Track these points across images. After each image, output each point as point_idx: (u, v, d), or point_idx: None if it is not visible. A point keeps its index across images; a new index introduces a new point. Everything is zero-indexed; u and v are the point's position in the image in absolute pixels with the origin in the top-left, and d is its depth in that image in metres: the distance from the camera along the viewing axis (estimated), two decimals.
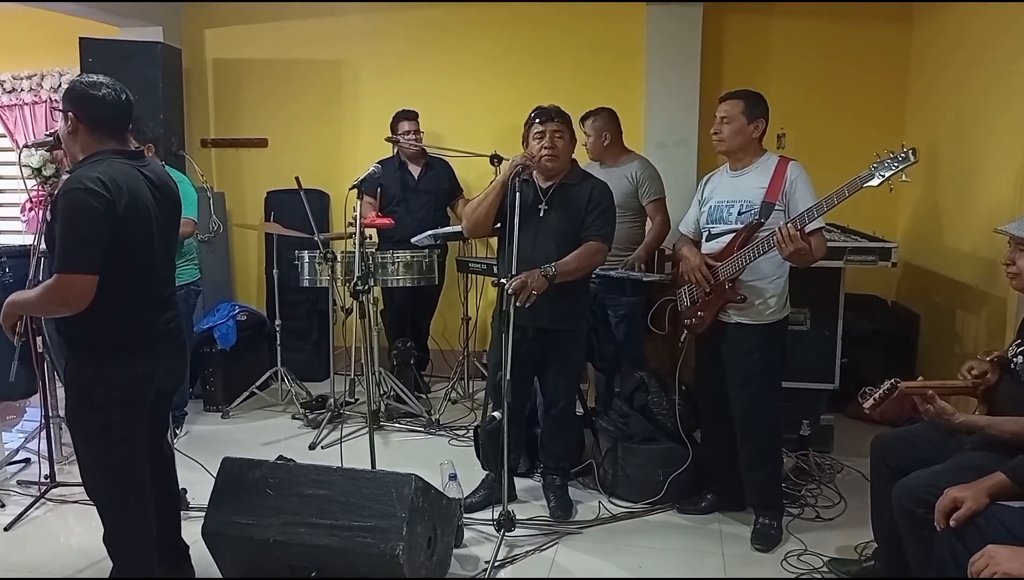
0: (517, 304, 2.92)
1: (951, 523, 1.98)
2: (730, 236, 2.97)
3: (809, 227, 2.78)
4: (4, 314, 2.34)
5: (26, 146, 2.88)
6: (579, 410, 3.66)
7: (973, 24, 4.02)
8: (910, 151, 2.59)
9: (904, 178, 2.62)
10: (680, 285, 3.19)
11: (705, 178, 3.22)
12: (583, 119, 4.00)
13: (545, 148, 3.09)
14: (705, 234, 3.11)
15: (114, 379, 2.28)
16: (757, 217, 2.91)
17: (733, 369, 3.05)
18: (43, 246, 3.28)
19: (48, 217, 2.33)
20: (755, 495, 3.15)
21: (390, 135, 4.71)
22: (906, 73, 4.89)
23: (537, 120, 3.13)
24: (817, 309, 3.70)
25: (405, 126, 4.73)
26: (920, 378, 2.42)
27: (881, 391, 2.34)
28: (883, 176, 2.62)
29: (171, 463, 2.70)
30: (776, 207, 2.89)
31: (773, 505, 3.11)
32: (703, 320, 3.04)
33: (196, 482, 3.19)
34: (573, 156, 3.24)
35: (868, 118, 4.93)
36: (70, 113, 2.27)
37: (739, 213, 2.96)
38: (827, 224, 4.17)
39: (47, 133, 2.84)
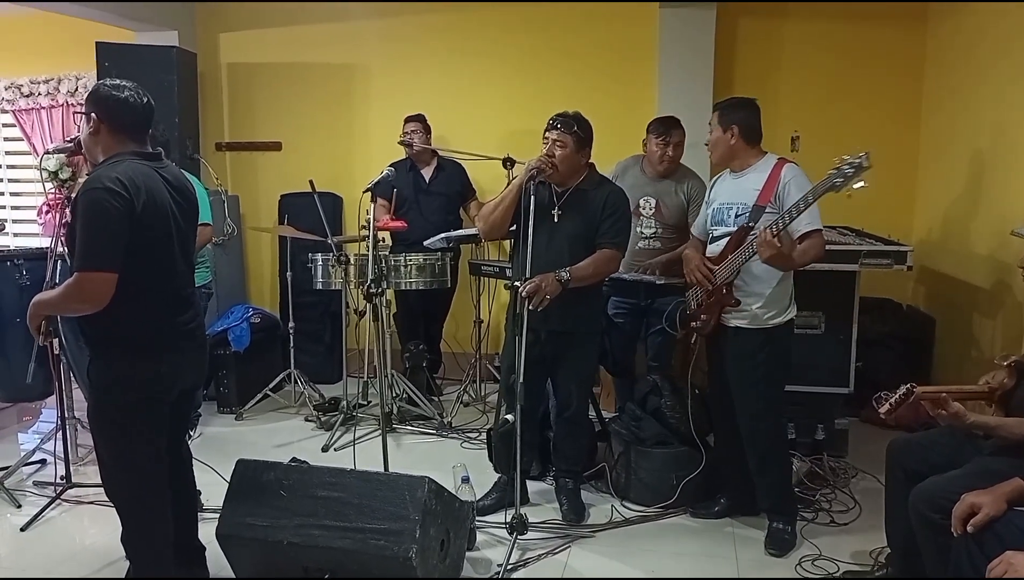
0: (530, 307, 2.92)
1: (969, 529, 1.96)
2: (727, 239, 2.98)
3: (801, 230, 2.78)
4: (30, 315, 2.38)
5: (47, 152, 2.94)
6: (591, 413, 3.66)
7: (989, 24, 3.99)
8: (864, 156, 2.56)
9: (861, 184, 2.59)
10: (689, 287, 3.20)
11: (714, 179, 3.23)
12: (674, 127, 3.79)
13: (544, 156, 3.09)
14: (709, 236, 3.12)
15: (136, 378, 2.31)
16: (747, 221, 2.91)
17: (735, 374, 3.05)
18: (60, 249, 3.31)
19: (68, 218, 2.36)
20: (766, 499, 3.14)
21: (401, 138, 4.75)
22: (921, 74, 4.86)
23: (547, 126, 3.14)
24: (832, 313, 3.68)
25: (408, 127, 4.77)
26: (941, 387, 2.40)
27: (897, 396, 2.30)
28: (836, 184, 2.60)
29: (189, 464, 2.72)
30: (767, 210, 2.87)
31: (785, 510, 3.10)
32: (707, 322, 3.05)
33: (209, 484, 3.20)
34: (591, 161, 3.22)
35: (883, 120, 4.90)
36: (93, 114, 2.32)
37: (736, 216, 2.96)
38: (841, 227, 4.20)
39: (68, 139, 2.90)
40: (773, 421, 3.07)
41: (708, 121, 3.09)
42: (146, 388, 2.32)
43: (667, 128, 3.80)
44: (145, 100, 2.36)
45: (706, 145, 3.12)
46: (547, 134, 3.13)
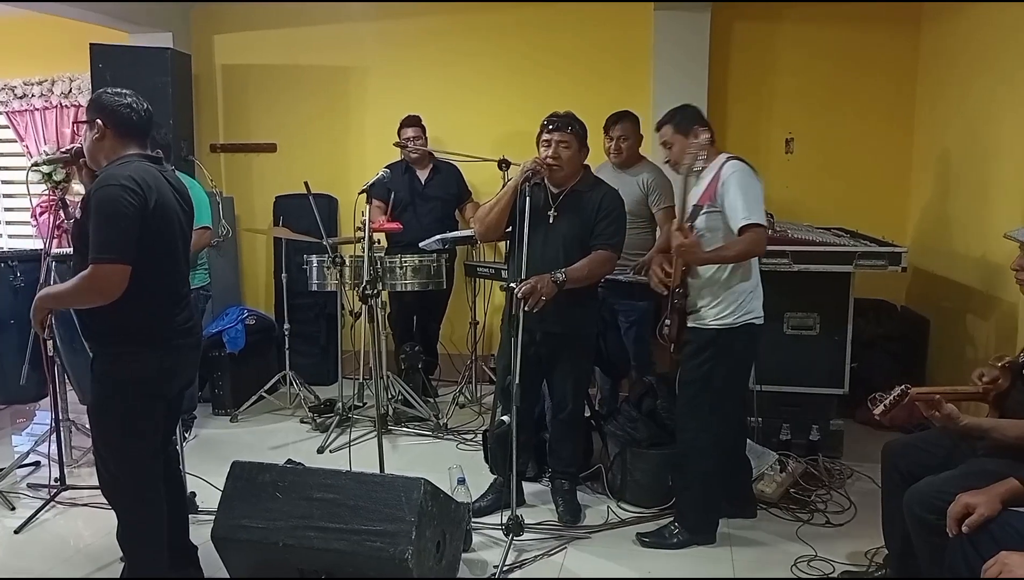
0: (526, 308, 2.92)
1: (963, 529, 1.97)
2: None
3: (738, 224, 2.75)
4: (36, 308, 2.40)
5: (35, 163, 3.03)
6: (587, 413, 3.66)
7: (981, 26, 4.01)
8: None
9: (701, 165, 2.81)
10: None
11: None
12: (615, 122, 3.93)
13: (549, 158, 3.09)
14: None
15: (139, 374, 2.36)
16: (688, 221, 2.89)
17: (681, 371, 3.04)
18: (55, 250, 3.32)
19: (73, 216, 2.40)
20: (678, 500, 3.14)
21: (397, 140, 4.74)
22: (915, 76, 4.88)
23: (546, 128, 3.14)
24: (826, 314, 3.69)
25: (408, 133, 4.75)
26: (936, 388, 2.40)
27: (891, 398, 2.32)
28: (693, 169, 2.81)
29: (176, 464, 2.75)
30: (703, 210, 2.86)
31: (687, 519, 3.07)
32: (671, 328, 3.01)
33: (204, 486, 3.21)
34: (586, 162, 3.23)
35: (877, 122, 4.92)
36: (98, 120, 2.38)
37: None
38: (836, 228, 4.21)
39: (62, 150, 2.95)
40: (699, 425, 2.97)
41: (660, 134, 3.03)
42: (148, 383, 2.38)
43: (610, 123, 3.96)
44: (145, 106, 2.45)
45: (667, 163, 3.10)
46: (547, 136, 3.12)
